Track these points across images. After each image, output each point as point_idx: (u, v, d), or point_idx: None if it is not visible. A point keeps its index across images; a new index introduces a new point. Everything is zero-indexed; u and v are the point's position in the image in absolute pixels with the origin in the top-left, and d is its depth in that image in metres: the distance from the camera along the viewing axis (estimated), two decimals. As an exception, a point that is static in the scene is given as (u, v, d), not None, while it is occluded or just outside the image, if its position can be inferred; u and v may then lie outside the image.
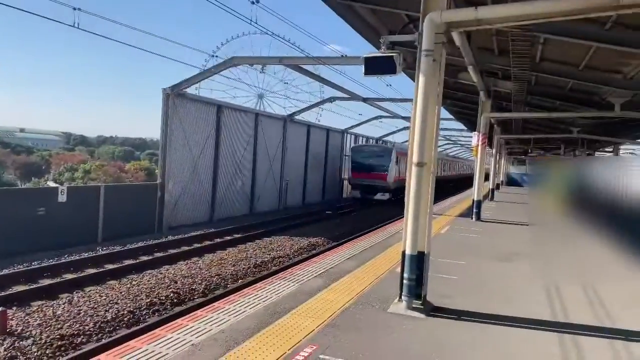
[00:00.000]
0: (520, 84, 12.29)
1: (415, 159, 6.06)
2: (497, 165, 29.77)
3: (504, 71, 13.23)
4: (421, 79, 5.96)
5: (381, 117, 33.31)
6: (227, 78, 54.96)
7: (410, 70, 13.88)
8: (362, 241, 11.32)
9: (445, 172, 44.09)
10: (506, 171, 44.64)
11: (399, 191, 27.49)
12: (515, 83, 12.35)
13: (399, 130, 40.99)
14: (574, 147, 32.21)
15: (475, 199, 16.28)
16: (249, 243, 15.68)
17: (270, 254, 14.04)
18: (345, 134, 33.20)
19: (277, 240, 16.31)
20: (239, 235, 16.55)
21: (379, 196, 27.45)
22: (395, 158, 27.79)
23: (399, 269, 6.41)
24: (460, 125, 34.17)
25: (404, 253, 6.15)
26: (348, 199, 33.12)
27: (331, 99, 26.03)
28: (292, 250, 14.74)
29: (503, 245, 11.61)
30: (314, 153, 28.69)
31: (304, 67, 18.58)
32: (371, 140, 38.52)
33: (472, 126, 27.87)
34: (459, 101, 20.02)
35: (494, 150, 26.94)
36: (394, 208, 27.38)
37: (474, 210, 16.30)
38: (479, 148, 16.17)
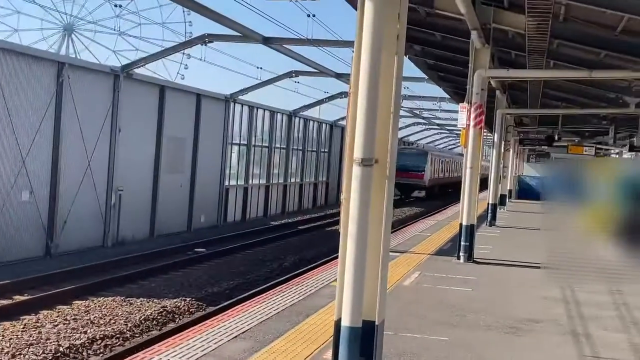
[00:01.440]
0: (540, 18, 12.90)
1: (357, 151, 6.13)
2: (501, 162, 31.07)
3: (512, -4, 13.81)
4: (369, 5, 6.05)
5: (298, 72, 33.60)
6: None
7: (350, -10, 14.16)
8: (266, 301, 11.30)
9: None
10: (517, 173, 46.70)
11: (433, 189, 56.68)
12: (531, 17, 12.94)
13: (330, 98, 41.74)
14: (631, 131, 34.42)
15: (463, 223, 16.84)
16: (45, 311, 15.15)
17: (87, 332, 13.66)
18: (233, 104, 33.17)
19: (101, 304, 15.93)
20: (26, 297, 15.96)
21: (415, 194, 55.30)
22: (430, 159, 53.67)
23: (329, 355, 6.45)
24: (438, 91, 35.42)
25: (338, 325, 6.20)
26: (239, 222, 33.22)
27: (205, 39, 25.83)
28: (129, 324, 14.45)
29: (512, 305, 12.06)
30: (173, 137, 28.36)
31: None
32: (281, 115, 39.09)
33: (458, 94, 28.93)
34: (435, 49, 20.66)
35: (495, 136, 28.12)
36: (332, 237, 27.79)
37: (462, 242, 16.84)
38: (470, 131, 16.79)
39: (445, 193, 60.99)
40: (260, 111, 36.95)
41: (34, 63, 20.90)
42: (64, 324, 14.11)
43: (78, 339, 13.19)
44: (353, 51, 6.43)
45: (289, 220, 36.81)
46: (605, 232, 22.49)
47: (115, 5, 56.01)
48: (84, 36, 61.28)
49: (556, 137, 38.35)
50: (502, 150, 31.20)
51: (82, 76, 22.98)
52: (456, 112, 30.62)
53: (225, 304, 16.01)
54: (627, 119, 31.09)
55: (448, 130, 68.17)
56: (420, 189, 54.88)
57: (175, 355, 8.23)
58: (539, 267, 16.76)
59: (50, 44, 58.89)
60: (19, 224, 20.44)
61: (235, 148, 34.74)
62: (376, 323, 6.41)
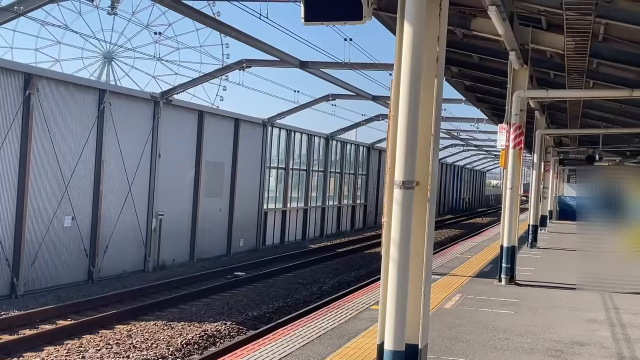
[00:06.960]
0: (579, 37, 12.83)
1: (398, 174, 6.14)
2: (541, 183, 30.83)
3: (550, 16, 13.78)
4: (407, 29, 6.07)
5: (334, 95, 33.73)
6: (42, 23, 53.03)
7: (388, 14, 14.24)
8: (307, 325, 11.36)
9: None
10: (557, 193, 46.34)
11: None
12: (570, 37, 12.87)
13: (367, 121, 41.81)
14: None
15: (504, 244, 16.71)
16: (89, 336, 15.32)
17: (129, 356, 13.79)
18: (270, 128, 33.37)
19: (143, 328, 16.10)
20: (69, 322, 16.27)
21: None
22: None
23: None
24: (475, 112, 35.31)
25: (381, 348, 6.18)
26: (278, 246, 33.35)
27: (242, 65, 26.08)
28: (171, 348, 14.55)
29: (556, 328, 11.92)
30: (212, 162, 28.59)
31: (191, 2, 18.56)
32: (319, 138, 39.31)
33: (496, 114, 28.80)
34: (473, 70, 20.62)
35: (535, 157, 27.91)
36: (370, 260, 27.73)
37: (504, 264, 16.70)
38: (510, 152, 16.69)
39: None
40: (297, 134, 37.12)
41: (77, 91, 21.24)
42: (107, 349, 14.25)
43: (121, 363, 13.30)
44: (390, 74, 6.47)
45: (328, 243, 36.79)
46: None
47: (155, 33, 56.64)
48: (124, 63, 62.15)
49: (597, 157, 37.86)
50: (542, 171, 30.95)
51: (123, 103, 23.30)
52: (494, 132, 30.45)
53: (266, 327, 16.05)
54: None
55: (486, 151, 67.86)
56: None
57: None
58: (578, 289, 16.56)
59: (91, 71, 59.77)
60: (62, 249, 20.67)
61: (273, 171, 34.91)
62: (419, 347, 6.38)
